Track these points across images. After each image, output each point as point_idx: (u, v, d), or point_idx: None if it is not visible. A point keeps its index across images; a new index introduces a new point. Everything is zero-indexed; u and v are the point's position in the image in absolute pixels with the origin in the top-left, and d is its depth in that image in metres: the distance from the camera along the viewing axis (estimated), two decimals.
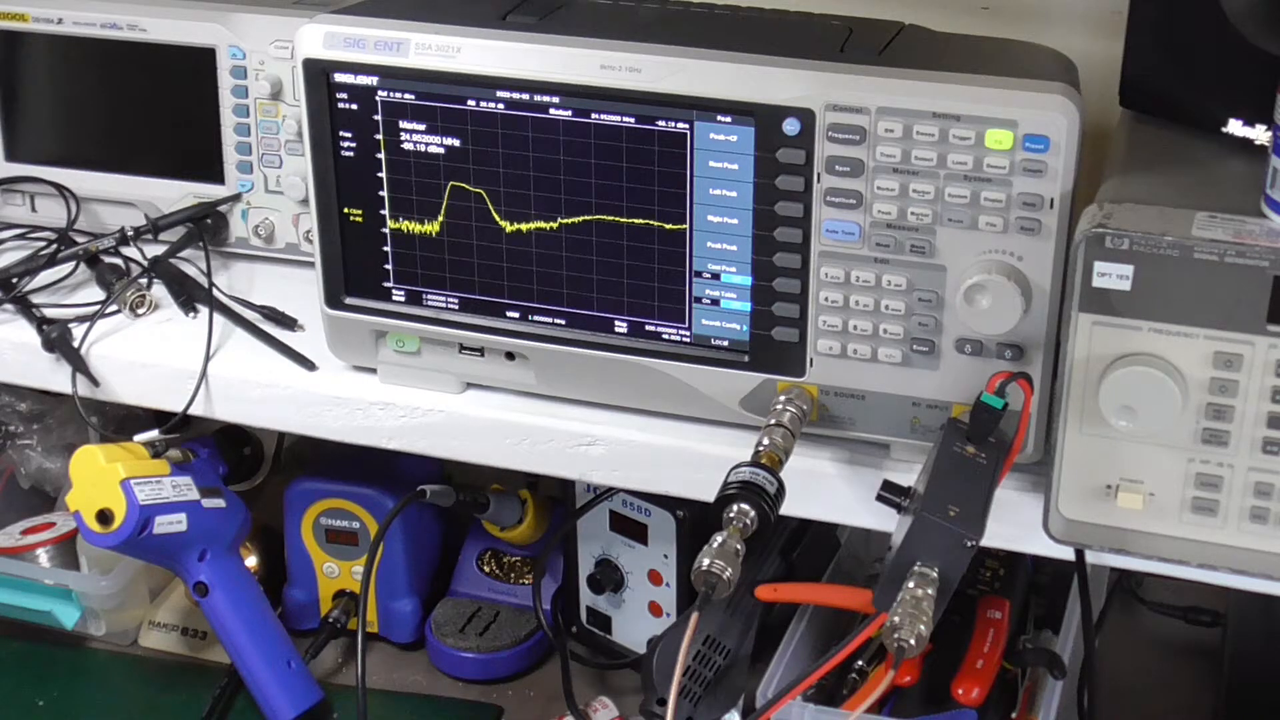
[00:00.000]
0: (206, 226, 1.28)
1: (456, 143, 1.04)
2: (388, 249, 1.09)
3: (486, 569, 1.50)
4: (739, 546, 0.89)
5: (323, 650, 1.44)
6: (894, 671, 0.87)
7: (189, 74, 1.26)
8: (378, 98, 1.05)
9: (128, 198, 1.32)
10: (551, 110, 1.01)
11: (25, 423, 1.53)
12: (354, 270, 1.11)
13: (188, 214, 1.28)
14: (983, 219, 0.94)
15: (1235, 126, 0.99)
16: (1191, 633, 1.42)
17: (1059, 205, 0.92)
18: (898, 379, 1.00)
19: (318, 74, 1.05)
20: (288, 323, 1.22)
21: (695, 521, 1.32)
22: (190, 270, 1.26)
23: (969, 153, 0.93)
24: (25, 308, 1.23)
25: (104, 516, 1.17)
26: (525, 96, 1.01)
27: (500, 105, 1.02)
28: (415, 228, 1.07)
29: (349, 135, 1.07)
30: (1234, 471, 0.88)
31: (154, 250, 1.27)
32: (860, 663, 1.20)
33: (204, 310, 1.22)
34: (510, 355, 1.10)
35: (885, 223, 0.96)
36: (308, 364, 1.17)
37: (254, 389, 1.17)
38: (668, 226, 1.01)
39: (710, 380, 1.04)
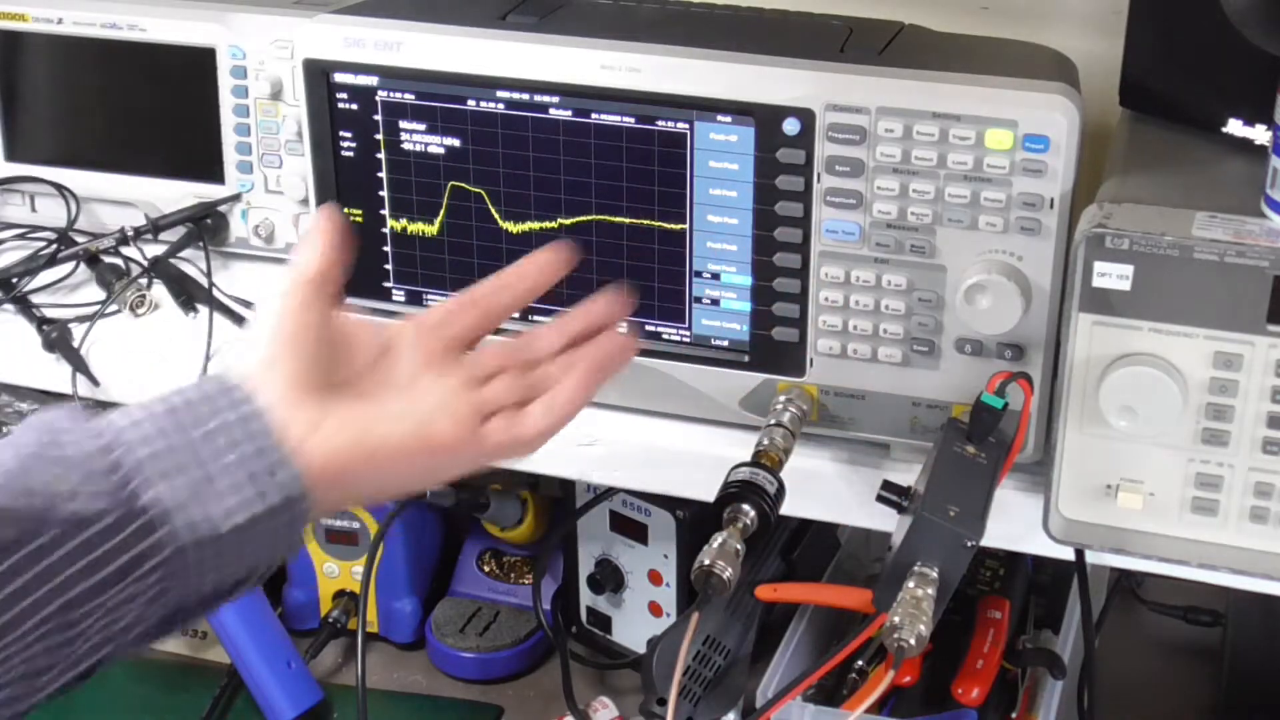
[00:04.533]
0: (206, 226, 1.27)
1: (456, 143, 1.04)
2: (388, 249, 1.09)
3: (486, 569, 1.50)
4: (739, 546, 0.89)
5: (323, 650, 1.45)
6: (894, 671, 0.87)
7: (189, 74, 1.26)
8: (378, 98, 1.05)
9: (128, 198, 1.31)
10: (551, 110, 1.01)
11: None
12: (354, 270, 1.10)
13: (188, 214, 1.27)
14: (983, 219, 0.94)
15: (1235, 126, 0.99)
16: (1191, 632, 1.42)
17: (1059, 205, 0.92)
18: (898, 379, 0.99)
19: (318, 74, 1.05)
20: None
21: (695, 521, 1.32)
22: (190, 270, 1.26)
23: (969, 153, 0.93)
24: (25, 308, 1.23)
25: None
26: (525, 96, 1.01)
27: (500, 105, 1.02)
28: (415, 228, 1.07)
29: (349, 135, 1.06)
30: (1234, 471, 0.88)
31: (154, 250, 1.26)
32: (860, 663, 1.21)
33: (204, 310, 1.21)
34: None
35: (885, 223, 0.96)
36: None
37: None
38: (668, 226, 1.01)
39: (710, 380, 1.04)
